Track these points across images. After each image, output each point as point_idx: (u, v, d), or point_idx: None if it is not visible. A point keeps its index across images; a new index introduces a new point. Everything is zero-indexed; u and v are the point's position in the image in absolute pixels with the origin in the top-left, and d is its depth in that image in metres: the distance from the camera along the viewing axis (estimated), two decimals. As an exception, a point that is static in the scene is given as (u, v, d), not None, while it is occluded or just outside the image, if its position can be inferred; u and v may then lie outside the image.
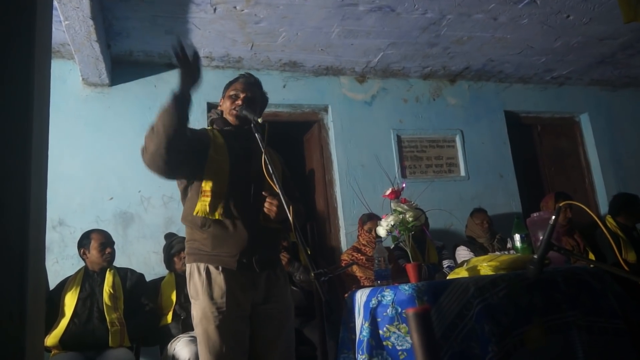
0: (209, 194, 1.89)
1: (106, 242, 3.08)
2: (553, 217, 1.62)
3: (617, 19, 3.87)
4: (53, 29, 3.17)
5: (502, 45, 4.25)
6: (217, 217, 1.88)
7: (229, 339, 1.83)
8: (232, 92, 2.07)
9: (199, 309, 1.87)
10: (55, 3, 2.76)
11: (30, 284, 0.76)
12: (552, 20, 3.89)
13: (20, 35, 0.80)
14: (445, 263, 3.70)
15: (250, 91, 2.08)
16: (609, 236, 1.86)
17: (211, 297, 1.85)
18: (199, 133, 2.01)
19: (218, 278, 1.87)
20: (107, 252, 3.05)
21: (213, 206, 1.88)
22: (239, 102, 2.04)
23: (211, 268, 1.88)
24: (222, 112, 2.13)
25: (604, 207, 4.99)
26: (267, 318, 1.95)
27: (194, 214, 1.89)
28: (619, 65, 4.97)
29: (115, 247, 3.18)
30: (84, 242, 3.08)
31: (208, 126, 2.15)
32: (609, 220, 4.06)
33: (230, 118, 2.07)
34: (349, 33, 3.83)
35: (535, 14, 3.77)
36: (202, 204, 1.89)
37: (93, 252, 3.04)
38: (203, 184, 1.91)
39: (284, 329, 1.99)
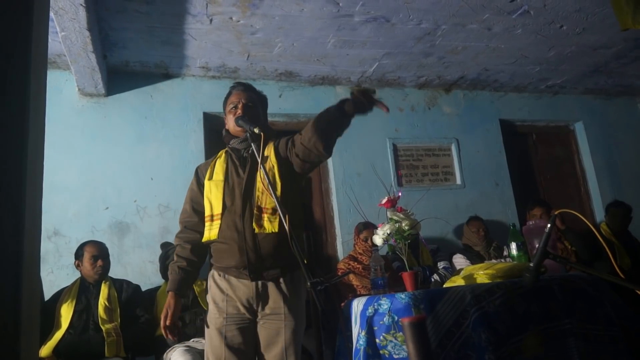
0: (209, 219, 2.02)
1: (98, 255, 3.06)
2: (549, 225, 1.62)
3: (610, 29, 3.92)
4: (49, 40, 3.18)
5: (497, 54, 4.29)
6: (213, 239, 1.98)
7: (232, 344, 1.89)
8: (230, 106, 2.11)
9: (208, 313, 2.00)
10: (51, 14, 2.77)
11: (24, 294, 0.76)
12: (546, 30, 3.93)
13: (17, 46, 0.81)
14: (441, 264, 3.69)
15: (245, 98, 2.11)
16: (603, 243, 1.86)
17: (215, 302, 1.97)
18: (199, 176, 2.14)
19: (222, 284, 1.98)
20: (98, 265, 3.04)
21: (210, 229, 2.00)
22: (239, 112, 2.06)
23: (216, 274, 2.01)
24: (226, 129, 2.18)
25: (599, 215, 5.01)
26: (272, 327, 1.94)
27: (202, 240, 2.04)
28: (613, 74, 5.01)
29: (110, 257, 3.16)
30: (78, 254, 3.09)
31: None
32: (604, 227, 4.08)
33: (237, 132, 2.10)
34: (345, 43, 3.86)
35: (529, 24, 3.81)
36: (206, 231, 2.02)
37: (86, 265, 3.04)
38: (205, 211, 2.05)
39: (289, 337, 1.94)
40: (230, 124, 2.10)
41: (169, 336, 1.93)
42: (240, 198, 1.96)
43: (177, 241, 2.08)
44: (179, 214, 2.16)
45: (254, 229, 1.91)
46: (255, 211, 1.93)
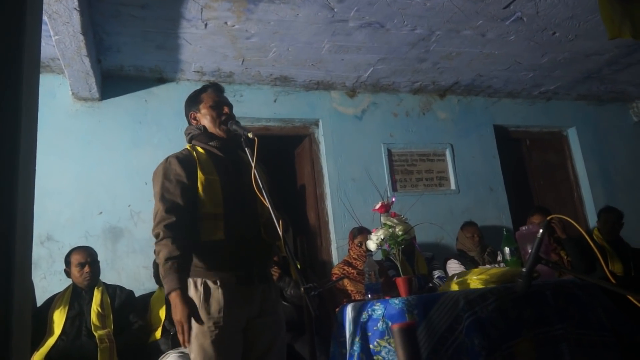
0: (206, 217, 1.88)
1: (84, 261, 3.04)
2: (541, 230, 1.63)
3: (602, 36, 3.94)
4: (43, 44, 3.18)
5: (491, 60, 4.32)
6: (218, 239, 1.87)
7: (225, 354, 1.83)
8: (211, 103, 2.04)
9: (195, 324, 1.81)
10: (45, 18, 2.76)
11: (16, 300, 0.75)
12: (539, 36, 3.96)
13: (8, 49, 0.80)
14: (436, 273, 3.70)
15: (228, 101, 2.11)
16: (595, 248, 1.87)
17: (208, 312, 1.83)
18: (187, 169, 1.92)
19: (216, 293, 1.85)
20: (85, 272, 3.02)
21: (214, 228, 1.87)
22: (227, 111, 2.04)
23: (209, 283, 1.86)
24: (203, 126, 2.05)
25: (592, 220, 5.03)
26: (261, 331, 1.94)
27: (199, 240, 1.87)
28: (606, 81, 5.05)
29: (104, 263, 3.15)
30: (67, 261, 3.08)
31: (188, 143, 2.09)
32: (596, 233, 4.10)
33: (219, 132, 2.03)
34: (340, 48, 3.87)
35: (522, 30, 3.84)
36: (205, 230, 1.87)
37: (74, 272, 3.04)
38: (199, 207, 1.89)
39: (277, 342, 1.99)
40: (211, 122, 2.02)
41: (187, 341, 1.74)
42: (246, 202, 1.94)
43: (169, 233, 1.77)
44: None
45: (261, 234, 1.94)
46: (261, 217, 1.96)
